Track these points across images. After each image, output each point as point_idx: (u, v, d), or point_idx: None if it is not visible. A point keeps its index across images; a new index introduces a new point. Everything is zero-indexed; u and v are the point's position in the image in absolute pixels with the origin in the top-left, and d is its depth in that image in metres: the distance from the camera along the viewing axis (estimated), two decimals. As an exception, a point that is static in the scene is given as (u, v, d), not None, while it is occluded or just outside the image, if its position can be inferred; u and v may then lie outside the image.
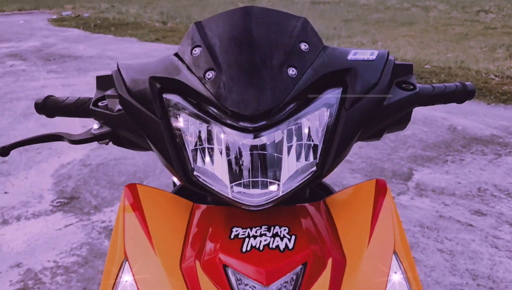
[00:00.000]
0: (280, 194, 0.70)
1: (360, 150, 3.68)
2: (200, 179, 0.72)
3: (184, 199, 0.82)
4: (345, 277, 0.69)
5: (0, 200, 2.93)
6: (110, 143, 0.93)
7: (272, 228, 0.73)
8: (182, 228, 0.76)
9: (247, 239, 0.71)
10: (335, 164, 0.74)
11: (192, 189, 0.72)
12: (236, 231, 0.72)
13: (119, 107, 0.82)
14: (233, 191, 0.70)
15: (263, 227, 0.73)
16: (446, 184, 3.14)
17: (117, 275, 0.71)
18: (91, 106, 0.89)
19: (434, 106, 4.75)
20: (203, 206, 0.80)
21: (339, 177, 3.24)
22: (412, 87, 0.84)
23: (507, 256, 2.40)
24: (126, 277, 0.70)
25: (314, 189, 0.93)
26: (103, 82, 0.93)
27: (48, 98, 0.97)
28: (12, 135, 3.98)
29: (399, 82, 0.85)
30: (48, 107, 0.96)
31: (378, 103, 0.76)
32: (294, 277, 0.67)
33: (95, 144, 3.80)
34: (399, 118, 0.85)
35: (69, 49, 7.85)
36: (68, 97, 0.99)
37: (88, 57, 7.12)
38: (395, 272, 0.71)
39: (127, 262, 0.72)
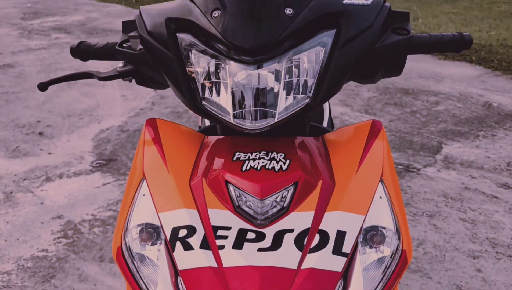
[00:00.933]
0: (276, 120, 0.79)
1: (390, 124, 3.70)
2: (207, 108, 0.82)
3: (197, 132, 0.93)
4: (333, 198, 0.78)
5: (44, 160, 3.14)
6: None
7: (270, 153, 0.82)
8: (194, 154, 0.87)
9: (247, 161, 0.80)
10: (326, 99, 0.82)
11: (202, 116, 0.83)
12: (238, 155, 0.82)
13: (140, 46, 0.93)
14: (235, 118, 0.80)
15: (262, 152, 0.82)
16: (475, 158, 3.14)
17: (136, 191, 0.82)
18: (116, 47, 1.00)
19: (470, 83, 4.64)
20: (213, 137, 0.90)
21: (367, 148, 3.28)
22: (406, 32, 0.89)
23: (530, 227, 2.41)
24: (143, 192, 0.81)
25: (316, 128, 1.01)
26: (128, 26, 1.03)
27: (81, 43, 1.08)
28: (57, 102, 4.21)
29: (395, 28, 0.90)
30: (81, 51, 1.07)
31: (370, 44, 0.83)
32: (286, 194, 0.77)
33: (133, 112, 3.98)
34: (393, 63, 0.91)
35: (111, 23, 8.08)
36: (98, 41, 1.10)
37: (128, 31, 7.31)
38: (380, 197, 0.79)
39: (144, 180, 0.83)
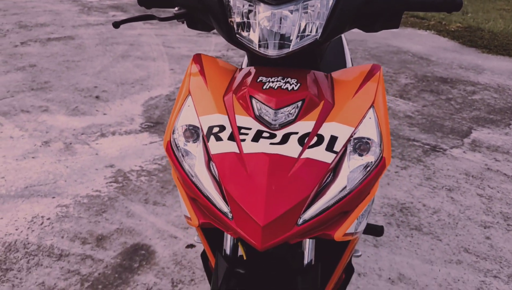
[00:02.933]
0: (290, 49, 1.02)
1: (423, 109, 3.83)
2: (239, 39, 1.06)
3: (233, 65, 1.17)
4: (331, 113, 1.00)
5: (100, 119, 3.49)
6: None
7: (286, 78, 1.05)
8: (228, 79, 1.11)
9: (267, 83, 1.04)
10: (331, 37, 1.04)
11: (236, 46, 1.07)
12: (261, 78, 1.05)
13: None
14: (259, 47, 1.03)
15: (280, 77, 1.05)
16: (502, 143, 3.24)
17: (183, 103, 1.07)
18: None
19: (510, 76, 4.65)
20: (244, 68, 1.14)
21: (397, 128, 3.45)
22: None
23: (545, 207, 2.53)
24: (188, 103, 1.06)
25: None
26: None
27: None
28: (112, 71, 4.57)
29: None
30: (147, 0, 1.32)
31: None
32: (295, 108, 0.99)
33: (180, 84, 4.27)
34: (390, 16, 1.11)
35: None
36: None
37: (180, 13, 7.66)
38: (370, 118, 1.00)
39: (190, 96, 1.08)
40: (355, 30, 6.64)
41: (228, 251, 1.10)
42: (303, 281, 1.03)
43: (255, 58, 1.14)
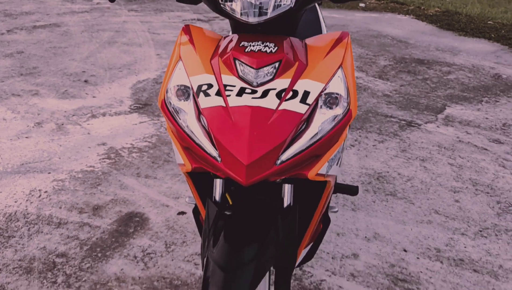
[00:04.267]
0: (268, 17, 1.17)
1: (400, 88, 4.01)
2: (224, 9, 1.21)
3: (218, 34, 1.32)
4: (305, 72, 1.15)
5: (90, 101, 3.60)
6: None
7: (265, 43, 1.19)
8: (214, 45, 1.25)
9: (249, 47, 1.18)
10: (303, 6, 1.19)
11: (220, 14, 1.21)
12: (243, 43, 1.20)
13: None
14: (241, 15, 1.18)
15: (260, 42, 1.20)
16: (474, 118, 3.44)
17: (175, 67, 1.22)
18: None
19: (484, 57, 4.83)
20: (228, 36, 1.29)
21: (375, 106, 3.62)
22: None
23: (511, 173, 2.73)
24: (179, 67, 1.21)
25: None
26: None
27: None
28: (99, 57, 4.66)
29: None
30: None
31: None
32: (273, 68, 1.14)
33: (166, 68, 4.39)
34: None
35: (148, -8, 8.51)
36: None
37: (165, 0, 7.72)
38: (338, 77, 1.15)
39: (180, 60, 1.22)
40: (337, 16, 6.77)
41: (217, 198, 1.25)
42: (283, 221, 1.18)
43: (237, 26, 1.29)
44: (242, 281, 1.04)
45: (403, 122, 3.36)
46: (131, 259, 2.00)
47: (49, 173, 2.63)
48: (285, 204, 1.22)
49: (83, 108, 3.48)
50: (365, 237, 2.17)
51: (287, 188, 1.22)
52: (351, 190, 1.72)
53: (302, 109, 1.10)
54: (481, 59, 4.84)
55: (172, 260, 2.00)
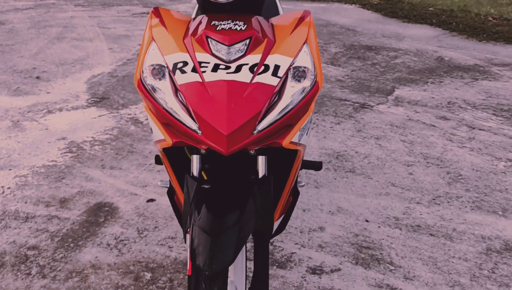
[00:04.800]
0: None
1: (351, 73, 4.17)
2: (195, -10, 1.27)
3: (187, 15, 1.37)
4: (273, 48, 1.23)
5: (44, 97, 3.54)
6: None
7: (235, 21, 1.26)
8: (185, 25, 1.31)
9: (220, 25, 1.25)
10: None
11: None
12: (214, 22, 1.26)
13: None
14: (212, -5, 1.25)
15: (229, 21, 1.27)
16: (421, 98, 3.64)
17: (148, 47, 1.26)
18: None
19: (427, 41, 5.07)
20: (198, 16, 1.35)
21: (329, 91, 3.76)
22: None
23: (458, 146, 2.93)
24: (153, 47, 1.26)
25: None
26: None
27: None
28: (49, 53, 4.56)
29: None
30: None
31: None
32: (244, 44, 1.21)
33: (121, 62, 4.36)
34: None
35: (94, -13, 8.32)
36: None
37: (112, -5, 7.59)
38: (304, 51, 1.24)
39: (153, 41, 1.27)
40: (286, 6, 6.89)
41: (195, 173, 1.31)
42: (259, 190, 1.26)
43: (206, 7, 1.35)
44: (228, 244, 1.11)
45: (357, 104, 3.52)
46: (104, 247, 2.02)
47: (10, 169, 2.58)
48: (260, 175, 1.30)
49: (38, 104, 3.41)
50: (329, 211, 2.29)
51: (261, 160, 1.29)
52: (315, 166, 1.82)
53: (274, 81, 1.17)
54: (425, 44, 5.09)
55: (146, 245, 2.04)
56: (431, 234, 2.15)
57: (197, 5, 2.14)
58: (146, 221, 2.19)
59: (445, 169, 2.67)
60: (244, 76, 1.17)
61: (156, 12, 1.37)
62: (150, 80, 1.22)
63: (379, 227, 2.19)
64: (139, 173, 2.58)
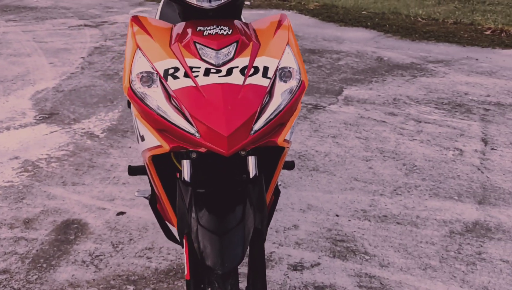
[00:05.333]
0: (222, 2, 1.27)
1: (300, 75, 4.29)
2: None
3: (166, 22, 1.38)
4: (259, 50, 1.27)
5: (-13, 116, 3.36)
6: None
7: (220, 26, 1.29)
8: (168, 32, 1.32)
9: (206, 31, 1.27)
10: None
11: (175, 2, 1.28)
12: (200, 28, 1.28)
13: None
14: (198, 0, 1.27)
15: (214, 26, 1.29)
16: (369, 96, 3.82)
17: (133, 56, 1.26)
18: None
19: (365, 43, 5.30)
20: (180, 23, 1.36)
21: (282, 93, 3.84)
22: None
23: (408, 139, 3.10)
24: (139, 55, 1.25)
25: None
26: None
27: None
28: (-15, 70, 4.32)
29: None
30: None
31: None
32: (231, 48, 1.25)
33: (65, 76, 4.22)
34: None
35: (23, 1, 7.97)
36: None
37: (43, 8, 7.31)
38: (288, 53, 1.29)
39: (138, 49, 1.27)
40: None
41: (187, 178, 1.32)
42: (253, 188, 1.29)
43: (187, 13, 1.36)
44: (235, 242, 1.13)
45: (310, 106, 3.62)
46: (80, 264, 1.96)
47: (-37, 194, 2.44)
48: (251, 175, 1.33)
49: (-18, 124, 3.23)
50: (300, 209, 2.35)
51: (251, 160, 1.33)
52: (288, 165, 1.87)
53: (265, 82, 1.21)
54: (363, 45, 5.33)
55: (124, 258, 2.00)
56: (397, 223, 2.27)
57: (159, 9, 2.14)
58: (119, 234, 2.15)
59: (401, 161, 2.82)
60: (236, 78, 1.20)
61: (136, 20, 1.37)
62: (140, 88, 1.22)
63: (349, 220, 2.28)
64: (104, 187, 2.52)
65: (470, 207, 2.39)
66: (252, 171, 1.33)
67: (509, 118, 3.41)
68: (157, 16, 2.14)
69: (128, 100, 1.83)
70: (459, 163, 2.80)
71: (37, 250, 2.03)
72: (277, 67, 1.25)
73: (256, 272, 1.32)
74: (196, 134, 1.15)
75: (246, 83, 1.19)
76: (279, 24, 1.37)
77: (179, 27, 1.33)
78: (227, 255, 1.12)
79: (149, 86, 1.22)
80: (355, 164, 2.78)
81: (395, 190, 2.54)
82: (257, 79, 1.21)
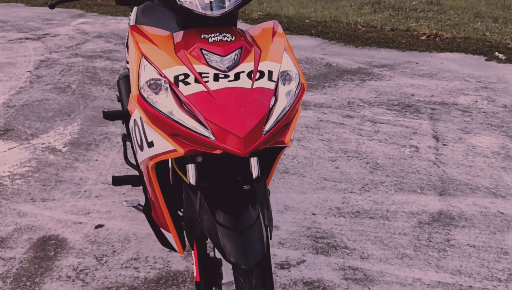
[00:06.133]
0: (226, 10, 1.32)
1: (256, 83, 4.38)
2: (183, 6, 1.31)
3: (165, 31, 1.41)
4: (261, 56, 1.33)
5: None
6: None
7: (223, 33, 1.34)
8: (169, 40, 1.35)
9: (210, 38, 1.32)
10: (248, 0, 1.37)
11: (178, 13, 1.32)
12: (204, 36, 1.33)
13: None
14: (203, 9, 1.31)
15: (217, 33, 1.34)
16: (324, 101, 3.97)
17: (139, 65, 1.28)
18: None
19: (313, 50, 5.49)
20: (180, 32, 1.39)
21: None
22: None
23: (368, 139, 3.26)
24: (144, 64, 1.28)
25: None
26: None
27: None
28: None
29: None
30: None
31: None
32: (236, 54, 1.30)
33: (14, 90, 4.06)
34: None
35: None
36: None
37: (-24, 21, 6.96)
38: (286, 57, 1.36)
39: (143, 57, 1.29)
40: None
41: (193, 182, 1.35)
42: (259, 187, 1.35)
43: (188, 22, 1.39)
44: (256, 238, 1.18)
45: (270, 111, 3.72)
46: (65, 279, 1.91)
47: None
48: (254, 175, 1.38)
49: None
50: (278, 210, 2.42)
51: (253, 161, 1.38)
52: None
53: (272, 85, 1.28)
54: (311, 52, 5.52)
55: (110, 270, 1.97)
56: (370, 217, 2.39)
57: (132, 18, 2.14)
58: (101, 247, 2.11)
59: (364, 160, 2.97)
60: (245, 82, 1.25)
61: (136, 29, 1.39)
62: (150, 95, 1.24)
63: (325, 218, 2.38)
64: (76, 201, 2.46)
65: (433, 199, 2.57)
66: (255, 172, 1.38)
67: (454, 116, 3.68)
68: (132, 19, 2.14)
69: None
70: (416, 159, 2.99)
71: (17, 269, 1.96)
72: (279, 70, 1.32)
73: (263, 269, 1.37)
74: (212, 137, 1.19)
75: (254, 86, 1.25)
76: (274, 30, 1.44)
77: (181, 35, 1.36)
78: (250, 251, 1.16)
79: (156, 93, 1.25)
80: (322, 165, 2.89)
81: (363, 187, 2.67)
82: (264, 83, 1.27)
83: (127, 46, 2.14)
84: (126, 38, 2.18)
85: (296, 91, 1.33)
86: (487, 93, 4.15)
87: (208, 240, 1.43)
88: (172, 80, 1.24)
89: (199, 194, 1.31)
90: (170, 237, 1.66)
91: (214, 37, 1.33)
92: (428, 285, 1.95)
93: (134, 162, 2.12)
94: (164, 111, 1.22)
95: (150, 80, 1.26)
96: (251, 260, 1.15)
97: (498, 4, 8.32)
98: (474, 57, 5.25)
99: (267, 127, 1.24)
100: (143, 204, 1.93)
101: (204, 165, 1.37)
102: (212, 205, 1.26)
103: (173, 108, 1.22)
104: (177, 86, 1.23)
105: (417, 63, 5.07)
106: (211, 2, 1.31)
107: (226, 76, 1.26)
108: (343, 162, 2.94)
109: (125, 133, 2.19)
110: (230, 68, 1.28)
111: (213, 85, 1.23)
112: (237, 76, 1.26)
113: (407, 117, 3.65)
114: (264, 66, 1.31)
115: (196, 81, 1.24)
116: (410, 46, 5.73)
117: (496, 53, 5.33)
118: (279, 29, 1.46)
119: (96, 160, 2.90)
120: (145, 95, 1.25)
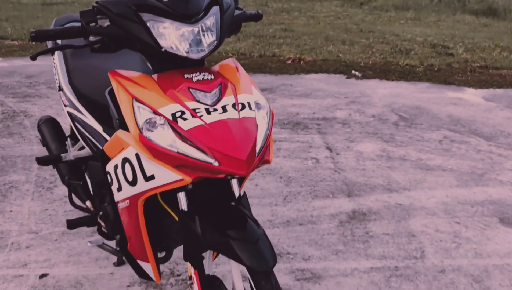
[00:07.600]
0: (206, 52, 1.49)
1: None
2: (167, 52, 1.44)
3: (141, 73, 1.51)
4: (237, 90, 1.51)
5: None
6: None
7: (202, 73, 1.49)
8: (151, 81, 1.46)
9: (194, 77, 1.46)
10: (223, 39, 1.55)
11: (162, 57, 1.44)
12: (187, 76, 1.47)
13: (108, 23, 1.44)
14: (186, 53, 1.45)
15: (197, 73, 1.49)
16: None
17: (132, 107, 1.37)
18: (87, 26, 1.46)
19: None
20: (160, 73, 1.51)
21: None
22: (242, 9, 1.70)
23: (274, 157, 3.57)
24: (137, 105, 1.38)
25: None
26: (86, 13, 1.48)
27: (40, 30, 1.47)
28: None
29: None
30: (42, 35, 1.46)
31: (233, 13, 1.60)
32: (218, 90, 1.47)
33: None
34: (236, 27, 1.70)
35: None
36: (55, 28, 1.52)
37: None
38: (254, 90, 1.57)
39: (135, 100, 1.38)
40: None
41: (184, 208, 1.48)
42: (243, 205, 1.53)
43: (164, 65, 1.51)
44: (266, 247, 1.36)
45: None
46: (29, 334, 1.83)
47: None
48: (236, 195, 1.56)
49: None
50: (218, 231, 2.57)
51: (234, 182, 1.56)
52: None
53: (253, 114, 1.47)
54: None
55: (74, 315, 1.94)
56: (300, 224, 2.68)
57: (59, 65, 2.15)
58: (55, 295, 2.05)
59: (277, 175, 3.27)
60: (232, 114, 1.43)
61: (117, 73, 1.48)
62: (150, 134, 1.35)
63: (262, 231, 2.59)
64: (7, 255, 2.32)
65: (344, 201, 2.95)
66: (237, 191, 1.56)
67: (337, 128, 4.20)
68: (62, 71, 2.14)
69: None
70: (320, 169, 3.39)
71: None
72: (254, 101, 1.52)
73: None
74: (215, 163, 1.34)
75: (241, 116, 1.43)
76: (236, 66, 1.65)
77: (164, 76, 1.48)
78: (266, 255, 1.34)
79: (153, 131, 1.36)
80: (245, 185, 3.11)
81: (284, 199, 2.96)
82: (247, 112, 1.46)
83: (60, 90, 2.13)
84: (57, 82, 2.17)
85: (269, 117, 1.55)
86: (356, 106, 4.80)
87: (206, 259, 1.57)
88: (170, 117, 1.37)
89: (197, 218, 1.44)
90: (148, 267, 1.74)
91: (196, 76, 1.48)
92: (364, 272, 2.29)
93: (81, 205, 2.13)
94: (166, 146, 1.34)
95: (146, 120, 1.37)
96: (270, 263, 1.33)
97: (341, 28, 9.49)
98: (336, 76, 5.98)
99: (257, 149, 1.43)
100: (103, 243, 1.97)
101: (192, 191, 1.51)
102: (217, 224, 1.41)
103: (175, 141, 1.35)
104: (176, 122, 1.36)
105: (291, 85, 5.60)
106: (190, 45, 1.47)
107: (215, 110, 1.42)
108: (260, 179, 3.20)
109: (68, 176, 2.18)
110: (215, 103, 1.45)
111: (207, 118, 1.39)
112: (224, 109, 1.43)
113: (300, 133, 4.06)
114: (242, 98, 1.50)
115: (192, 116, 1.38)
116: (280, 70, 6.29)
117: (353, 71, 6.15)
118: (239, 66, 1.66)
119: (11, 211, 2.73)
120: (145, 134, 1.36)
